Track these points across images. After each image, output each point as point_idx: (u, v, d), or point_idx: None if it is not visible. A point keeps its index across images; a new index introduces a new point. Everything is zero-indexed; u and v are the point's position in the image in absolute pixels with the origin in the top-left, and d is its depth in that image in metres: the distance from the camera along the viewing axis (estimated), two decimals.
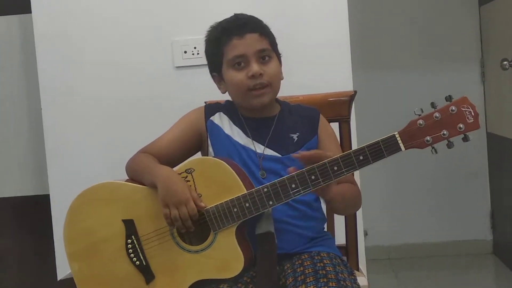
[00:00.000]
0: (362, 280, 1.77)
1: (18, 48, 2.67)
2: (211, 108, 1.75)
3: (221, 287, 1.53)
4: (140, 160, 1.69)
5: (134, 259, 1.61)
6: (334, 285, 1.48)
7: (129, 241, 1.62)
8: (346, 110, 1.95)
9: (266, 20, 1.71)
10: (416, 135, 1.39)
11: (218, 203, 1.54)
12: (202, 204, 1.54)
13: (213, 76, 1.75)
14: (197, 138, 1.73)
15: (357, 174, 1.60)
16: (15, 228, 2.73)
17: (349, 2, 2.36)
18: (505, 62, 3.06)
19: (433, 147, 1.40)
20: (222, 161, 1.56)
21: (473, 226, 3.90)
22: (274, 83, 1.66)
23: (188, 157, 1.73)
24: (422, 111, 1.39)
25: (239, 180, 1.54)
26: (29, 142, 2.68)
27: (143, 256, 1.61)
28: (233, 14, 1.71)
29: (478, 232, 3.91)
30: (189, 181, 1.57)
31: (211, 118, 1.72)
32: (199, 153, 1.77)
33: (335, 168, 1.44)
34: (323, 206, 1.76)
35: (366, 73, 3.72)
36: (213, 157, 1.65)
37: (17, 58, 2.67)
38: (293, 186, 1.48)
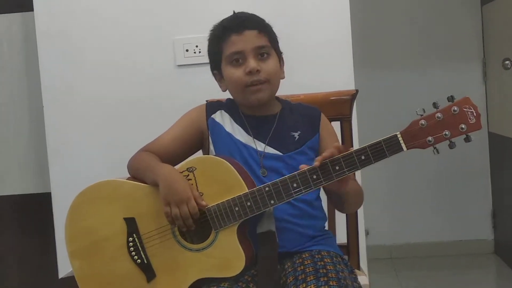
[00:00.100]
0: (363, 279, 1.77)
1: (20, 46, 2.67)
2: (212, 106, 1.75)
3: (222, 285, 1.53)
4: (141, 159, 1.69)
5: (136, 257, 1.61)
6: (334, 284, 1.48)
7: (131, 239, 1.62)
8: (348, 109, 1.95)
9: (267, 20, 1.71)
10: (418, 135, 1.39)
11: (219, 202, 1.54)
12: (204, 203, 1.54)
13: (214, 75, 1.75)
14: (199, 136, 1.73)
15: (358, 174, 1.60)
16: (16, 227, 2.73)
17: (351, 2, 2.36)
18: (507, 62, 3.06)
19: (435, 147, 1.40)
20: (223, 160, 1.56)
21: (475, 226, 3.90)
22: (272, 80, 1.66)
23: (190, 155, 1.74)
24: (424, 111, 1.39)
25: (241, 179, 1.54)
26: (31, 140, 2.68)
27: (144, 255, 1.61)
28: (233, 13, 1.71)
29: (479, 232, 3.91)
30: (190, 179, 1.57)
31: (212, 116, 1.73)
32: (200, 151, 1.78)
33: (337, 167, 1.44)
34: (324, 205, 1.76)
35: (367, 72, 3.72)
36: (215, 155, 1.65)
37: (19, 56, 2.67)
38: (295, 185, 1.48)
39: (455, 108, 1.37)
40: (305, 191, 1.48)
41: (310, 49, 2.35)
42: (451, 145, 1.39)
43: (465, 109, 1.36)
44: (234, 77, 1.66)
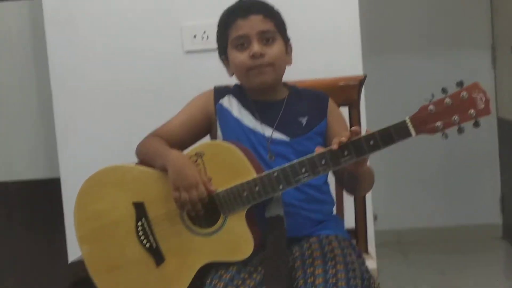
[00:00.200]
0: (371, 263, 1.78)
1: (28, 33, 2.67)
2: (220, 92, 1.75)
3: (230, 270, 1.54)
4: (150, 144, 1.70)
5: (144, 241, 1.62)
6: (341, 267, 1.49)
7: (139, 223, 1.63)
8: (356, 94, 1.95)
9: (276, 6, 1.70)
10: (427, 121, 1.39)
11: (228, 187, 1.54)
12: (212, 188, 1.55)
13: (222, 60, 1.76)
14: (206, 121, 1.74)
15: None
16: (26, 211, 2.75)
17: None
18: None
19: (444, 133, 1.39)
20: (232, 145, 1.57)
21: (483, 210, 3.90)
22: (276, 64, 1.66)
23: (198, 140, 1.74)
24: (433, 97, 1.39)
25: (249, 164, 1.54)
26: (39, 126, 2.69)
27: (153, 239, 1.62)
28: None
29: (488, 216, 3.91)
30: (199, 164, 1.57)
31: (220, 101, 1.73)
32: (208, 136, 1.78)
33: (346, 153, 1.44)
34: (332, 190, 1.76)
35: (376, 58, 3.70)
36: (223, 141, 1.65)
37: (27, 43, 2.67)
38: (303, 170, 1.48)
39: (464, 94, 1.36)
40: (313, 176, 1.48)
41: (318, 35, 2.34)
42: (460, 130, 1.39)
43: (474, 94, 1.36)
44: (237, 61, 1.66)
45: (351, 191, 1.73)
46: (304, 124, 1.68)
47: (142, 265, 1.63)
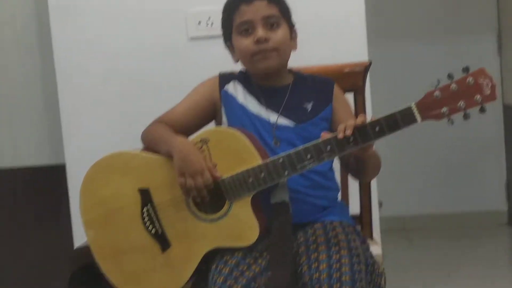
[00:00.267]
0: (376, 249, 1.78)
1: (33, 22, 2.66)
2: (225, 78, 1.75)
3: (236, 255, 1.54)
4: (155, 130, 1.70)
5: (150, 227, 1.63)
6: (345, 253, 1.49)
7: (145, 209, 1.63)
8: (361, 80, 1.95)
9: None
10: (432, 107, 1.38)
11: (233, 173, 1.54)
12: (218, 174, 1.55)
13: (227, 46, 1.76)
14: (212, 107, 1.74)
15: None
16: (32, 198, 2.75)
17: None
18: None
19: (449, 119, 1.39)
20: (237, 131, 1.57)
21: (489, 197, 3.90)
22: (280, 49, 1.66)
23: (203, 126, 1.74)
24: (439, 82, 1.39)
25: (255, 150, 1.54)
26: (45, 113, 2.69)
27: (158, 225, 1.62)
28: None
29: (493, 203, 3.91)
30: (204, 151, 1.57)
31: (225, 87, 1.73)
32: (213, 123, 1.78)
33: (351, 139, 1.44)
34: (337, 176, 1.76)
35: (381, 44, 3.68)
36: (228, 127, 1.65)
37: (32, 32, 2.67)
38: (309, 156, 1.48)
39: (470, 79, 1.36)
40: (318, 162, 1.48)
41: (323, 21, 2.33)
42: (466, 116, 1.38)
43: (481, 80, 1.35)
44: (242, 46, 1.66)
45: (356, 176, 1.73)
46: (309, 110, 1.68)
47: (147, 251, 1.63)
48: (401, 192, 3.90)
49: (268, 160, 1.52)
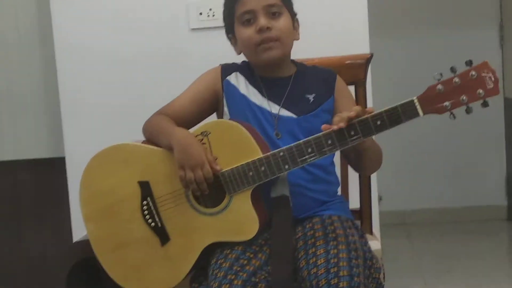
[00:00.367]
0: (375, 244, 1.78)
1: (33, 7, 2.65)
2: (227, 68, 1.74)
3: (236, 249, 1.54)
4: (156, 122, 1.69)
5: (150, 220, 1.62)
6: (343, 248, 1.48)
7: (145, 202, 1.62)
8: (362, 73, 1.94)
9: None
10: (434, 101, 1.37)
11: (233, 166, 1.54)
12: (218, 167, 1.54)
13: (229, 38, 1.75)
14: (214, 98, 1.73)
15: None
16: (32, 190, 2.75)
17: None
18: None
19: (451, 113, 1.38)
20: (238, 124, 1.56)
21: (489, 192, 3.90)
22: (283, 38, 1.65)
23: (205, 118, 1.74)
24: (442, 76, 1.37)
25: (255, 143, 1.53)
26: (45, 106, 2.68)
27: (158, 218, 1.62)
28: None
29: (493, 198, 3.90)
30: (205, 143, 1.57)
31: (227, 78, 1.72)
32: (215, 115, 1.77)
33: (352, 133, 1.44)
34: (337, 171, 1.76)
35: (383, 36, 3.67)
36: (229, 119, 1.65)
37: (32, 18, 2.66)
38: (309, 150, 1.48)
39: (473, 73, 1.35)
40: (319, 156, 1.48)
41: (325, 12, 2.32)
42: (468, 110, 1.37)
43: (483, 74, 1.34)
44: (245, 36, 1.65)
45: (356, 168, 1.72)
46: (311, 101, 1.67)
47: (147, 244, 1.63)
48: (401, 187, 3.90)
49: (268, 153, 1.52)
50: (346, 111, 1.47)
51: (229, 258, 1.51)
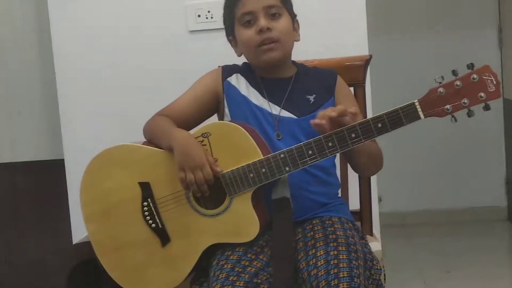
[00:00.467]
0: (376, 245, 1.78)
1: (31, 12, 2.65)
2: (228, 70, 1.74)
3: (237, 251, 1.54)
4: (157, 123, 1.69)
5: (150, 221, 1.62)
6: (344, 249, 1.48)
7: (145, 203, 1.62)
8: (361, 74, 1.93)
9: None
10: (436, 104, 1.37)
11: (234, 168, 1.54)
12: (218, 169, 1.54)
13: (229, 41, 1.75)
14: (214, 100, 1.73)
15: None
16: (31, 193, 2.75)
17: None
18: None
19: (453, 116, 1.38)
20: (239, 126, 1.56)
21: (488, 193, 3.90)
22: (283, 39, 1.65)
23: (205, 119, 1.74)
24: (443, 79, 1.37)
25: (256, 145, 1.53)
26: (43, 106, 2.68)
27: (159, 219, 1.62)
28: None
29: (493, 199, 3.90)
30: (205, 145, 1.57)
31: (228, 79, 1.72)
32: (215, 116, 1.77)
33: (353, 135, 1.44)
34: (337, 171, 1.76)
35: (381, 38, 3.67)
36: (230, 121, 1.65)
37: (30, 21, 2.66)
38: (310, 152, 1.48)
39: (475, 76, 1.35)
40: (320, 158, 1.48)
41: (323, 14, 2.32)
42: (470, 114, 1.37)
43: (485, 77, 1.34)
44: (245, 37, 1.65)
45: (356, 169, 1.72)
46: (312, 102, 1.67)
47: (148, 246, 1.63)
48: (401, 188, 3.89)
49: (269, 155, 1.52)
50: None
51: (230, 259, 1.51)
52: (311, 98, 1.68)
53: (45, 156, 2.68)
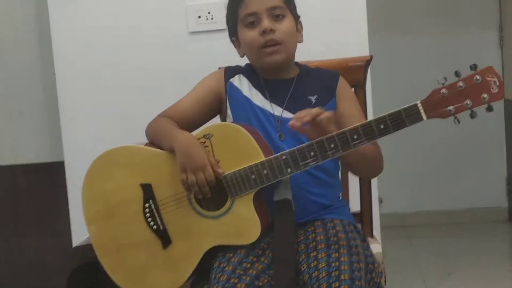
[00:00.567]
0: (376, 247, 1.78)
1: (31, 12, 2.64)
2: (231, 71, 1.74)
3: (238, 252, 1.54)
4: (159, 124, 1.69)
5: (152, 223, 1.62)
6: (345, 251, 1.49)
7: (147, 205, 1.62)
8: (362, 75, 1.93)
9: None
10: (438, 105, 1.37)
11: (236, 170, 1.53)
12: (220, 170, 1.54)
13: (232, 41, 1.75)
14: (217, 101, 1.73)
15: None
16: (31, 195, 2.74)
17: None
18: None
19: (455, 117, 1.37)
20: (241, 127, 1.55)
21: (489, 193, 3.89)
22: (286, 41, 1.65)
23: (208, 120, 1.73)
24: (446, 80, 1.37)
25: (258, 146, 1.53)
26: (44, 108, 2.67)
27: (160, 221, 1.62)
28: None
29: (493, 199, 3.90)
30: (207, 146, 1.56)
31: (231, 80, 1.72)
32: (218, 118, 1.77)
33: (355, 136, 1.43)
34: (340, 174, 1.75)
35: (382, 38, 3.66)
36: (232, 122, 1.64)
37: (30, 22, 2.65)
38: (312, 154, 1.47)
39: (478, 77, 1.34)
40: (322, 160, 1.47)
41: (324, 15, 2.32)
42: (473, 115, 1.37)
43: (488, 78, 1.33)
44: (249, 38, 1.65)
45: (355, 172, 1.71)
46: (313, 103, 1.67)
47: (149, 247, 1.63)
48: (401, 189, 3.89)
49: (271, 157, 1.51)
50: (350, 113, 1.49)
51: (232, 261, 1.51)
52: (313, 99, 1.68)
53: (46, 156, 2.68)
